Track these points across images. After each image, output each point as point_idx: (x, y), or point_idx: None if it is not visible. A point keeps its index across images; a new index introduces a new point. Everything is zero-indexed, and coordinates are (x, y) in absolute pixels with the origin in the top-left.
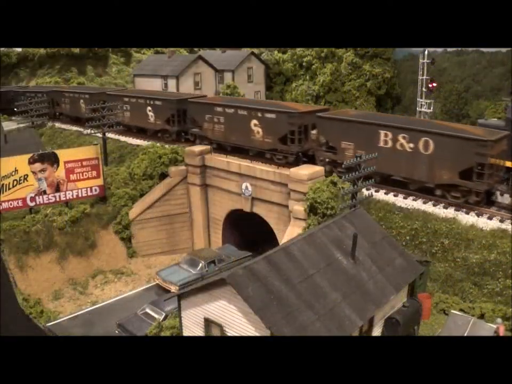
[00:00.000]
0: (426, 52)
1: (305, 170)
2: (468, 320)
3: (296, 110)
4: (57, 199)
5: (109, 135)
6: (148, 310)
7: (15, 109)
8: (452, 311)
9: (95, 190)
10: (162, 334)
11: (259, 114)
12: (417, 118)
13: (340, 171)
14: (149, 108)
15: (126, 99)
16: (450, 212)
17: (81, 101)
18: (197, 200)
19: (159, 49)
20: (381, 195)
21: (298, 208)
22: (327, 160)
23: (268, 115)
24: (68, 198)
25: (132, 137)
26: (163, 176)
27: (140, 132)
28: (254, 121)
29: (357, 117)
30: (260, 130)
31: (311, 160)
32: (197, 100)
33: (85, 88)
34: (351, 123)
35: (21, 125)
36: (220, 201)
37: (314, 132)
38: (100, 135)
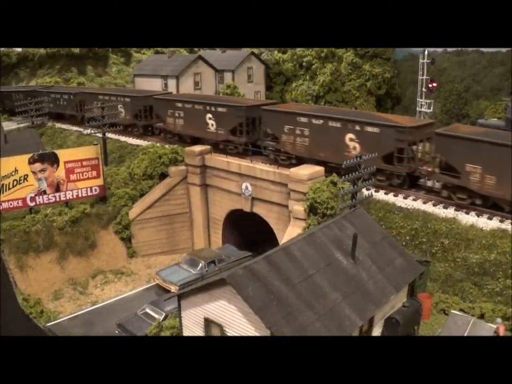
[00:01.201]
0: (426, 52)
1: (305, 170)
2: (468, 320)
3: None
4: (57, 199)
5: (109, 135)
6: (147, 310)
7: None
8: (452, 311)
9: (95, 190)
10: (162, 334)
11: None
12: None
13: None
14: (209, 115)
15: (179, 104)
16: (450, 212)
17: (120, 105)
18: (197, 200)
19: (159, 49)
20: (381, 195)
21: (298, 208)
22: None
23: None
24: (67, 198)
25: (131, 137)
26: (163, 176)
27: (195, 141)
28: (350, 135)
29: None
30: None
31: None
32: (274, 108)
33: (125, 90)
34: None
35: (21, 125)
36: (220, 201)
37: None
38: (100, 135)
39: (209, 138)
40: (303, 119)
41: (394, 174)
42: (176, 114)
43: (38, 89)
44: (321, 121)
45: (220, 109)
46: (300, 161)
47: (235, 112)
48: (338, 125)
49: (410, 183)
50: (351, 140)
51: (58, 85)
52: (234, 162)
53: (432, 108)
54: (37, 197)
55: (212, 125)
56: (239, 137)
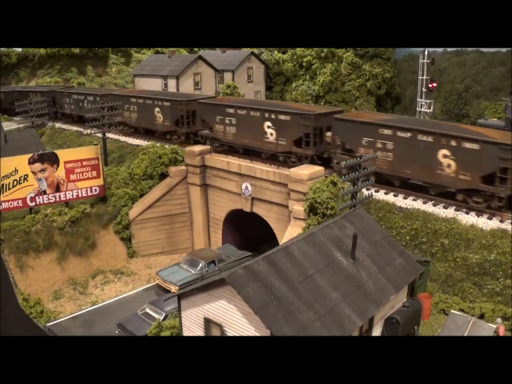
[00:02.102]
0: (426, 52)
1: (305, 170)
2: (467, 320)
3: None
4: (57, 199)
5: (109, 135)
6: (147, 310)
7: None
8: (452, 311)
9: (95, 190)
10: (162, 334)
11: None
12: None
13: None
14: (268, 123)
15: (230, 110)
16: (450, 212)
17: (157, 109)
18: (197, 200)
19: (159, 49)
20: (381, 195)
21: (298, 208)
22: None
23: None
24: (68, 198)
25: (131, 137)
26: (163, 176)
27: (251, 153)
28: (444, 152)
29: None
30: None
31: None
32: (353, 118)
33: (164, 94)
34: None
35: (21, 125)
36: (219, 201)
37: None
38: (100, 135)
39: (267, 150)
40: (387, 131)
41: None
42: (227, 121)
43: (57, 89)
44: (409, 134)
45: (282, 117)
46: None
47: (301, 120)
48: (430, 139)
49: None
50: (444, 156)
51: (81, 86)
52: (234, 163)
53: (432, 108)
54: (37, 197)
55: (271, 134)
56: (305, 149)
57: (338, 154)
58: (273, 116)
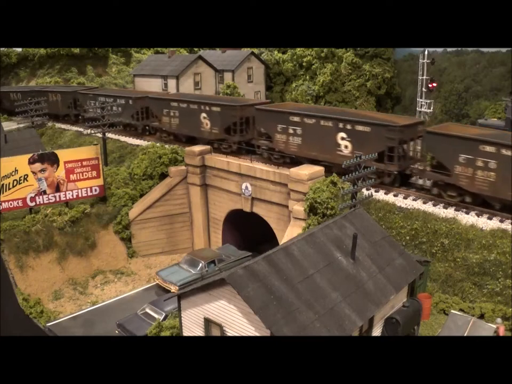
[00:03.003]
0: (426, 52)
1: (305, 170)
2: (467, 320)
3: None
4: (57, 199)
5: (109, 135)
6: (147, 310)
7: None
8: (452, 311)
9: (95, 190)
10: (162, 334)
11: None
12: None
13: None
14: (343, 134)
15: (295, 118)
16: (450, 212)
17: (204, 115)
18: (197, 200)
19: (159, 49)
20: (381, 195)
21: (298, 208)
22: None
23: None
24: (68, 198)
25: (131, 137)
26: (163, 176)
27: (315, 163)
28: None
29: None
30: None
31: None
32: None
33: (213, 98)
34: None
35: (21, 125)
36: (219, 201)
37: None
38: (100, 135)
39: (341, 163)
40: (491, 149)
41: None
42: (291, 131)
43: (81, 90)
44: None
45: (360, 128)
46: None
47: (385, 133)
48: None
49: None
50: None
51: (106, 87)
52: (234, 163)
53: (432, 108)
54: (37, 197)
55: (346, 146)
56: (387, 165)
57: (422, 170)
58: (349, 127)
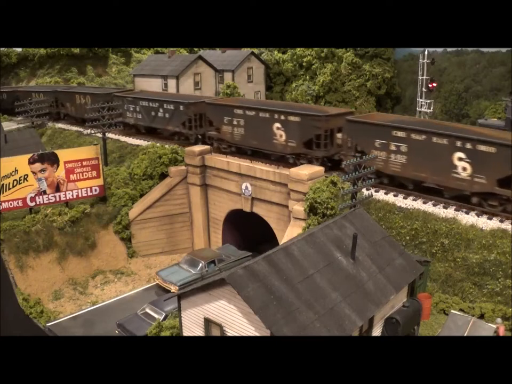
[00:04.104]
0: (426, 52)
1: (305, 170)
2: (467, 320)
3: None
4: (57, 199)
5: (109, 135)
6: (147, 310)
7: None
8: (452, 311)
9: (95, 190)
10: (162, 334)
11: None
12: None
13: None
14: (460, 154)
15: (399, 133)
16: (450, 212)
17: (277, 125)
18: (197, 200)
19: (159, 49)
20: (381, 195)
21: (298, 208)
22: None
23: None
24: (68, 198)
25: (131, 137)
26: (163, 176)
27: (426, 191)
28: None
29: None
30: None
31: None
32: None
33: (286, 105)
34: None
35: (21, 125)
36: (219, 201)
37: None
38: (99, 135)
39: (454, 188)
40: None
41: None
42: (393, 147)
43: (117, 93)
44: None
45: (483, 148)
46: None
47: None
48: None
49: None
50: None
51: (144, 90)
52: (234, 163)
53: (432, 108)
54: (37, 197)
55: (464, 169)
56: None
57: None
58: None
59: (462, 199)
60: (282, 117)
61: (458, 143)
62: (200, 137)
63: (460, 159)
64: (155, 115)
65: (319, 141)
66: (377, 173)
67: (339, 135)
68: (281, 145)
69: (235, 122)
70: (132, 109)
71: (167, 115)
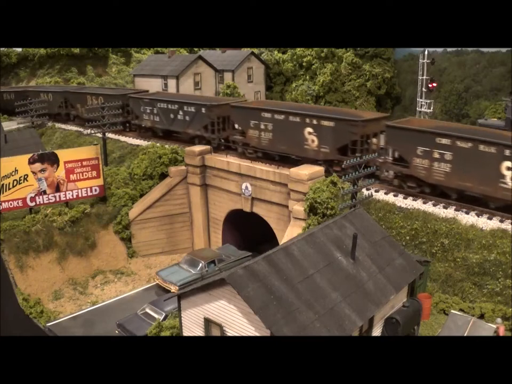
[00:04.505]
0: (426, 52)
1: (305, 170)
2: (467, 320)
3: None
4: (57, 199)
5: (109, 135)
6: (147, 310)
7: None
8: (452, 311)
9: (95, 190)
10: (162, 334)
11: None
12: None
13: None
14: (510, 164)
15: (444, 141)
16: (450, 212)
17: (309, 130)
18: (197, 200)
19: (159, 49)
20: (381, 195)
21: (298, 208)
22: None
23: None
24: (68, 198)
25: (131, 137)
26: (163, 176)
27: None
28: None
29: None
30: None
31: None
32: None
33: (317, 109)
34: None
35: (21, 125)
36: (219, 201)
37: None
38: (99, 135)
39: (501, 198)
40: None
41: None
42: (436, 155)
43: (132, 94)
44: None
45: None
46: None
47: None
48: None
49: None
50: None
51: (164, 91)
52: (234, 163)
53: (432, 108)
54: (37, 197)
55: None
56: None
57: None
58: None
59: (509, 211)
60: (314, 122)
61: (507, 152)
62: (222, 141)
63: (508, 168)
64: (174, 118)
65: (355, 147)
66: (419, 181)
67: (374, 141)
68: (313, 151)
69: (262, 127)
70: (148, 111)
71: (187, 118)
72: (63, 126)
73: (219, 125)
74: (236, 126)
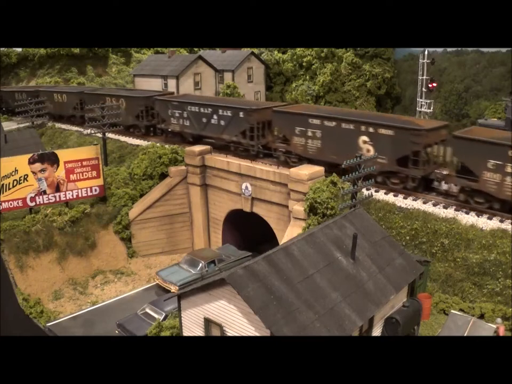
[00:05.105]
0: (426, 52)
1: (305, 170)
2: (467, 320)
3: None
4: (57, 199)
5: (109, 135)
6: (147, 310)
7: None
8: (452, 311)
9: (95, 190)
10: (162, 334)
11: None
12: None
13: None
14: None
15: None
16: (450, 212)
17: (364, 138)
18: (197, 200)
19: (159, 49)
20: (381, 195)
21: (298, 208)
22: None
23: None
24: (68, 198)
25: (131, 137)
26: (163, 176)
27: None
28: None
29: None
30: None
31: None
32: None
33: (373, 116)
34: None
35: (21, 125)
36: (219, 201)
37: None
38: (100, 135)
39: None
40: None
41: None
42: (510, 170)
43: (159, 96)
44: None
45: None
46: None
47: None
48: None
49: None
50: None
51: (199, 95)
52: (234, 163)
53: (432, 108)
54: (37, 197)
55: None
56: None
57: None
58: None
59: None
60: (371, 129)
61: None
62: (261, 148)
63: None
64: (207, 122)
65: (417, 158)
66: (488, 197)
67: (435, 151)
68: (368, 161)
69: (310, 134)
70: (177, 114)
71: (222, 122)
72: (63, 126)
73: (258, 131)
74: (277, 132)
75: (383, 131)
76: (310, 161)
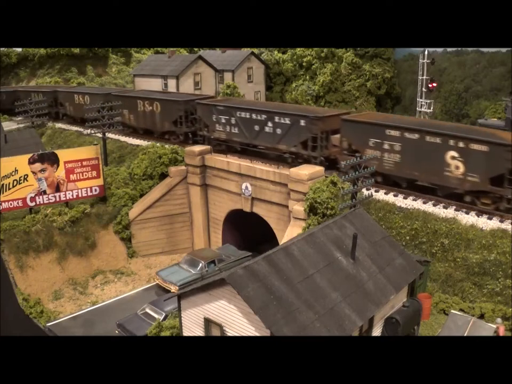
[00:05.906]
0: (426, 52)
1: (305, 170)
2: (467, 320)
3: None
4: (57, 199)
5: (109, 135)
6: (147, 310)
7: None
8: (452, 311)
9: (95, 190)
10: (162, 334)
11: None
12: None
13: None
14: None
15: None
16: (450, 212)
17: (453, 154)
18: (197, 200)
19: (159, 49)
20: (381, 195)
21: (298, 208)
22: None
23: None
24: (68, 198)
25: (131, 137)
26: (163, 176)
27: None
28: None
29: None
30: None
31: None
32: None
33: (464, 129)
34: None
35: (21, 125)
36: (219, 201)
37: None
38: (100, 135)
39: None
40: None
41: None
42: None
43: (201, 100)
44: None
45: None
46: None
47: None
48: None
49: None
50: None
51: (237, 97)
52: (234, 163)
53: (432, 108)
54: (37, 197)
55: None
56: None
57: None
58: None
59: None
60: (461, 144)
61: None
62: (324, 159)
63: None
64: (260, 130)
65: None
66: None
67: None
68: (457, 179)
69: (387, 146)
70: (223, 120)
71: (278, 131)
72: (63, 126)
73: (322, 141)
74: (346, 143)
75: (475, 146)
76: (384, 178)
